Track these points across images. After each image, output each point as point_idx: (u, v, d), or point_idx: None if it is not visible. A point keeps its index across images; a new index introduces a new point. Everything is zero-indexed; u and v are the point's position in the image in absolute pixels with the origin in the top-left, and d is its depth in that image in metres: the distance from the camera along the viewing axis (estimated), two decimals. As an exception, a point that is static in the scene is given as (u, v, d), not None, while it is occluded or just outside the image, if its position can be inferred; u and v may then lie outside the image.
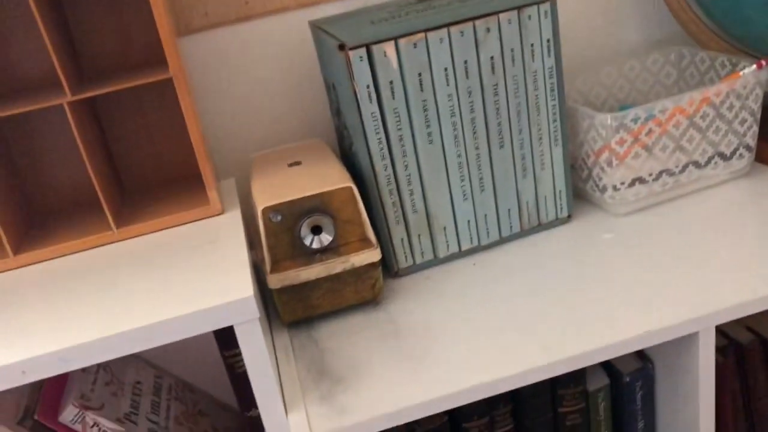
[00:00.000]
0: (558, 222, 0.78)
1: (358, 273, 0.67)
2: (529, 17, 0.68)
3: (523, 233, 0.77)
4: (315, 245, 0.66)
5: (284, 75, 0.84)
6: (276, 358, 0.65)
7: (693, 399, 0.64)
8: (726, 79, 0.74)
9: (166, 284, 0.57)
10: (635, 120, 0.72)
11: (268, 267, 0.65)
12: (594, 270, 0.69)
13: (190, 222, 0.69)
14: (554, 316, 0.63)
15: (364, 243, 0.67)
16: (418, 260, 0.74)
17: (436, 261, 0.75)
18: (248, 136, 0.85)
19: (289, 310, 0.68)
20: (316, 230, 0.66)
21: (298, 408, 0.58)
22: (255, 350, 0.54)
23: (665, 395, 0.68)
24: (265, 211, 0.64)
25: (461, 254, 0.76)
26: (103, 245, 0.68)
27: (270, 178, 0.70)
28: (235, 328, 0.54)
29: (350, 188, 0.66)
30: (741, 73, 0.74)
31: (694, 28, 0.85)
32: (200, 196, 0.73)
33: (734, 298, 0.61)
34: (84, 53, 0.74)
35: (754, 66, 0.74)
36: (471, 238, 0.75)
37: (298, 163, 0.73)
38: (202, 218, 0.70)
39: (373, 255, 0.67)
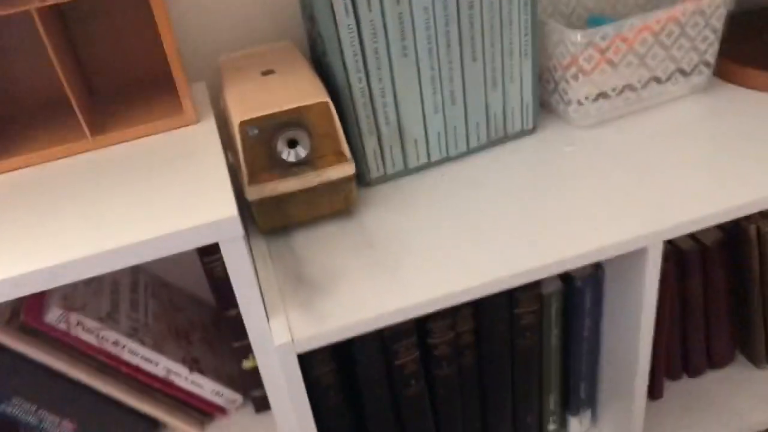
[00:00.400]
0: (523, 133, 0.81)
1: (332, 185, 0.70)
2: (508, -70, 0.68)
3: (490, 144, 0.80)
4: (291, 158, 0.68)
5: (254, -25, 0.81)
6: (254, 265, 0.69)
7: (637, 304, 0.70)
8: (693, -2, 0.76)
9: (149, 198, 0.59)
10: (603, 37, 0.73)
11: (246, 179, 0.67)
12: (555, 182, 0.73)
13: (165, 131, 0.70)
14: (515, 228, 0.68)
15: (339, 156, 0.69)
16: (389, 170, 0.77)
17: (407, 171, 0.78)
18: (215, 36, 0.84)
19: (266, 220, 0.70)
20: (292, 144, 0.68)
21: (278, 314, 0.62)
22: (239, 265, 0.57)
23: (612, 298, 0.75)
24: (242, 124, 0.65)
25: (430, 164, 0.78)
26: (78, 153, 0.68)
27: (244, 89, 0.70)
28: (220, 244, 0.56)
29: (326, 103, 0.67)
30: (708, -8, 0.75)
31: (667, -61, 0.85)
32: (173, 101, 0.73)
33: (683, 214, 0.66)
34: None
35: (721, -15, 0.76)
36: (440, 150, 0.78)
37: (271, 72, 0.73)
38: (177, 127, 0.70)
39: (348, 169, 0.69)
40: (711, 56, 0.81)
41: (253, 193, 0.67)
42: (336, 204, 0.72)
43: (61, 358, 0.73)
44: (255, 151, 0.67)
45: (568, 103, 0.79)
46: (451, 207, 0.72)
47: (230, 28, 0.83)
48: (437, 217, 0.71)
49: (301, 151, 0.68)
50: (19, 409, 0.74)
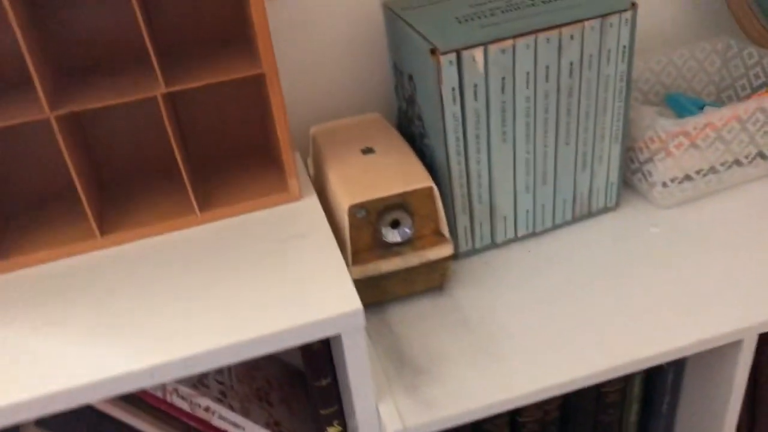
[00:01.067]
0: (605, 210, 0.83)
1: (431, 265, 0.71)
2: (611, 25, 0.70)
3: (574, 220, 0.82)
4: (395, 239, 0.69)
5: (347, 47, 0.83)
6: (352, 341, 0.70)
7: (725, 391, 0.72)
8: (780, 88, 0.78)
9: (267, 285, 0.60)
10: (695, 126, 0.75)
11: (350, 259, 0.69)
12: (642, 265, 0.75)
13: (270, 207, 0.71)
14: (607, 314, 0.69)
15: (438, 237, 0.71)
16: (477, 245, 0.78)
17: (493, 245, 0.79)
18: (304, 104, 0.86)
19: (364, 295, 0.72)
20: (395, 224, 0.69)
21: (387, 399, 0.63)
22: (358, 355, 0.59)
23: (696, 381, 0.76)
24: (351, 208, 0.67)
25: (517, 239, 0.80)
26: (186, 228, 0.70)
27: (348, 169, 0.72)
28: (342, 336, 0.58)
29: (431, 188, 0.68)
30: (796, 83, 0.77)
31: (748, 25, 0.87)
32: (276, 174, 0.74)
33: (776, 307, 0.68)
34: (161, 23, 0.72)
35: (808, 76, 0.78)
36: (527, 226, 0.79)
37: (371, 151, 0.75)
38: (282, 203, 0.72)
39: (447, 249, 0.71)
40: (791, 141, 0.83)
41: (357, 273, 0.69)
42: (432, 281, 0.73)
43: (154, 423, 0.74)
44: (359, 232, 0.69)
45: (653, 184, 0.80)
46: (540, 286, 0.74)
47: (319, 98, 0.85)
48: (527, 296, 0.73)
49: (404, 233, 0.70)
50: (109, 470, 0.76)
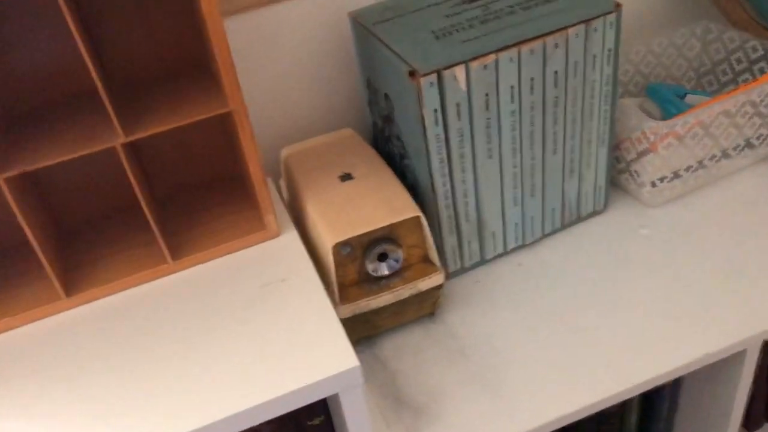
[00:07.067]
0: (594, 213, 0.80)
1: (422, 295, 0.68)
2: (595, 29, 0.66)
3: (563, 227, 0.79)
4: (383, 272, 0.66)
5: (314, 60, 0.78)
6: (345, 381, 0.67)
7: (727, 401, 0.70)
8: (768, 78, 0.75)
9: (252, 344, 0.56)
10: (684, 124, 0.72)
11: (337, 298, 0.65)
12: (635, 271, 0.72)
13: (246, 247, 0.67)
14: (610, 330, 0.67)
15: (427, 265, 0.67)
16: (466, 263, 0.75)
17: (482, 262, 0.76)
18: (272, 122, 0.80)
19: (354, 333, 0.68)
20: (382, 256, 0.65)
21: (388, 447, 0.61)
22: (358, 412, 0.56)
23: (691, 392, 0.75)
24: (336, 247, 0.63)
25: (506, 253, 0.77)
26: (159, 278, 0.65)
27: (326, 200, 0.67)
28: (339, 395, 0.54)
29: (419, 218, 0.65)
30: (783, 72, 0.75)
31: (729, 8, 0.84)
32: (248, 208, 0.70)
33: (777, 313, 0.66)
34: (111, 58, 0.66)
35: (795, 64, 0.75)
36: (516, 239, 0.76)
37: (349, 177, 0.70)
38: (259, 242, 0.67)
39: (438, 278, 0.67)
40: (777, 128, 0.80)
41: (345, 312, 0.65)
42: (423, 310, 0.70)
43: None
44: (346, 269, 0.65)
45: (641, 184, 0.78)
46: (534, 302, 0.71)
47: (287, 115, 0.80)
48: (522, 315, 0.70)
49: (393, 265, 0.66)
50: None
